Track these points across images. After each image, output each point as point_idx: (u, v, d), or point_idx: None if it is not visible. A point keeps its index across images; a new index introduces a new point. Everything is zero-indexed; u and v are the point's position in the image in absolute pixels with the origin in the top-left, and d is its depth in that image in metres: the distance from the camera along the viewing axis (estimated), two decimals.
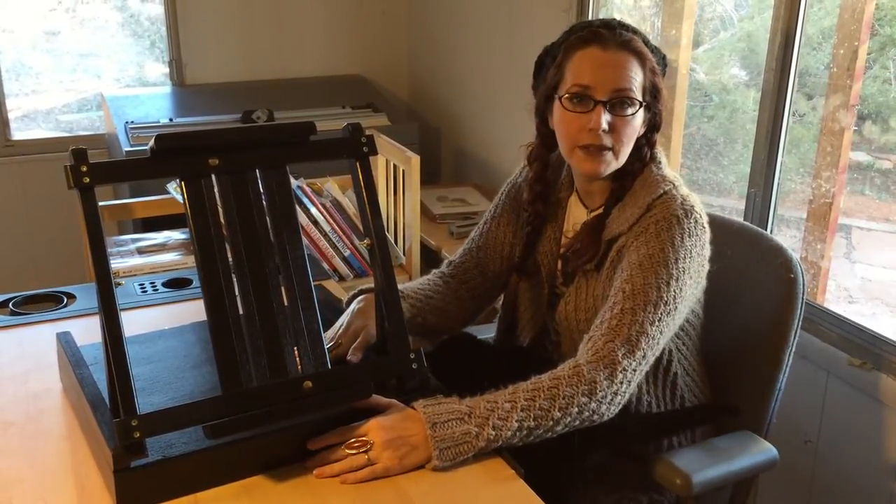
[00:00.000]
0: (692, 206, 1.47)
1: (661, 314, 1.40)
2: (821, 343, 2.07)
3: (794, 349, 1.61)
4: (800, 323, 1.61)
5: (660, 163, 1.54)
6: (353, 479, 1.24)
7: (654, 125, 1.53)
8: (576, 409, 1.32)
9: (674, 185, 1.50)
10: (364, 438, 1.26)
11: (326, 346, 1.30)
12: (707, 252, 1.50)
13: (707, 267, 1.51)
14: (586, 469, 1.51)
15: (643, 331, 1.38)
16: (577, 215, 1.63)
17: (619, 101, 1.44)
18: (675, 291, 1.41)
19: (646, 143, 1.53)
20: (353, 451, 1.25)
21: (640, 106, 1.46)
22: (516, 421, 1.29)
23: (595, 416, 1.35)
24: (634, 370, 1.37)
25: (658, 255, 1.42)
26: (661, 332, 1.41)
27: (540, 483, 1.27)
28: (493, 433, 1.27)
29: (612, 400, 1.35)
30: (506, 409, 1.29)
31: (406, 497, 1.22)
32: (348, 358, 1.45)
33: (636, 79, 1.45)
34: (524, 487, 1.26)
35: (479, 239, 1.73)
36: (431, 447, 1.25)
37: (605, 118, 1.44)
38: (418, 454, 1.26)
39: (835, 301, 2.42)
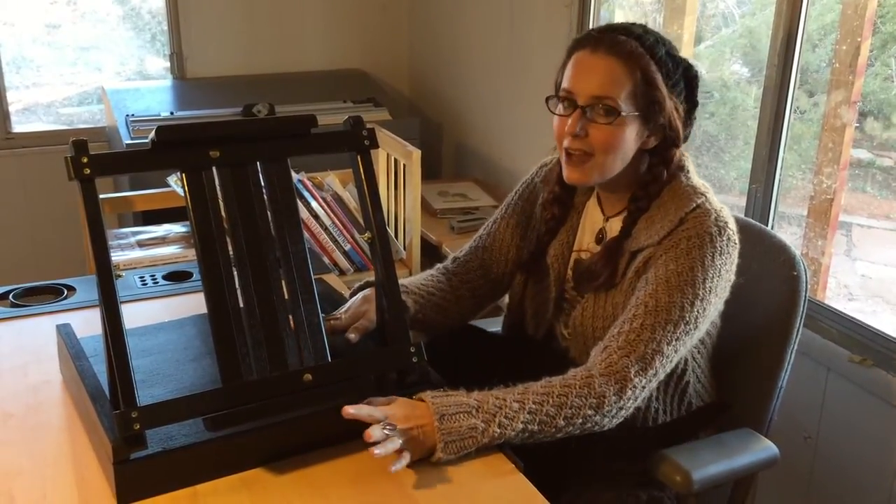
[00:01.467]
0: (726, 223, 1.45)
1: (680, 333, 1.39)
2: (821, 339, 2.07)
3: (796, 347, 1.61)
4: (802, 321, 1.61)
5: (688, 172, 1.51)
6: (394, 467, 1.22)
7: (666, 140, 1.48)
8: (580, 420, 1.32)
9: (705, 196, 1.47)
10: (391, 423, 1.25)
11: (324, 317, 1.30)
12: (735, 267, 1.47)
13: (733, 280, 1.49)
14: (586, 465, 1.51)
15: (659, 350, 1.37)
16: (593, 220, 1.61)
17: (597, 108, 1.42)
18: (698, 312, 1.40)
19: (660, 161, 1.49)
20: (389, 433, 1.23)
21: (619, 115, 1.41)
22: (521, 422, 1.29)
23: (596, 427, 1.36)
24: (644, 388, 1.37)
25: (687, 274, 1.40)
26: (675, 351, 1.40)
27: (540, 478, 1.27)
28: (499, 431, 1.27)
29: (616, 414, 1.36)
30: (514, 409, 1.29)
31: (406, 490, 1.22)
32: (347, 335, 1.45)
33: (621, 86, 1.41)
34: (524, 482, 1.26)
35: (486, 238, 1.71)
36: (437, 439, 1.25)
37: (580, 123, 1.43)
38: (428, 444, 1.26)
39: (835, 298, 2.42)
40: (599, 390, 1.33)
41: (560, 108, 1.47)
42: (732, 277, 1.48)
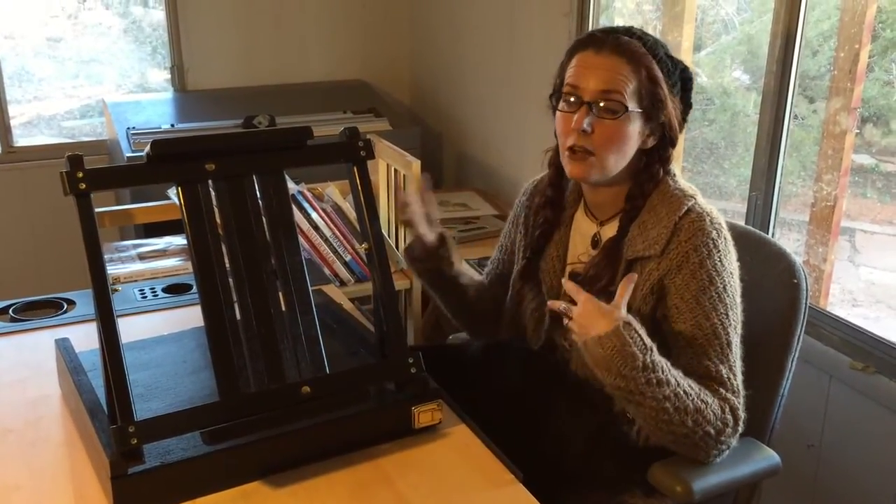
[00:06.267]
0: (720, 222, 1.48)
1: (735, 343, 1.46)
2: (823, 346, 2.06)
3: (797, 354, 1.60)
4: (803, 328, 1.60)
5: (674, 175, 1.53)
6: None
7: (664, 140, 1.50)
8: (700, 433, 1.38)
9: (694, 198, 1.50)
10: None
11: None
12: (735, 258, 1.52)
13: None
14: (587, 474, 1.50)
15: (733, 370, 1.45)
16: (583, 230, 1.61)
17: (604, 104, 1.43)
18: (734, 319, 1.46)
19: (657, 160, 1.51)
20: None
21: (626, 111, 1.43)
22: (664, 396, 1.34)
23: (705, 458, 1.43)
24: (743, 402, 1.45)
25: (710, 289, 1.44)
26: (740, 356, 1.47)
27: (540, 489, 1.26)
28: (644, 380, 1.33)
29: (730, 445, 1.44)
30: (669, 381, 1.34)
31: (404, 501, 1.22)
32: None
33: (627, 83, 1.43)
34: (524, 493, 1.25)
35: (499, 252, 1.79)
36: (604, 337, 1.33)
37: (587, 119, 1.43)
38: (595, 330, 1.35)
39: (839, 304, 2.41)
40: (725, 417, 1.41)
41: (564, 105, 1.48)
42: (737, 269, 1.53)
